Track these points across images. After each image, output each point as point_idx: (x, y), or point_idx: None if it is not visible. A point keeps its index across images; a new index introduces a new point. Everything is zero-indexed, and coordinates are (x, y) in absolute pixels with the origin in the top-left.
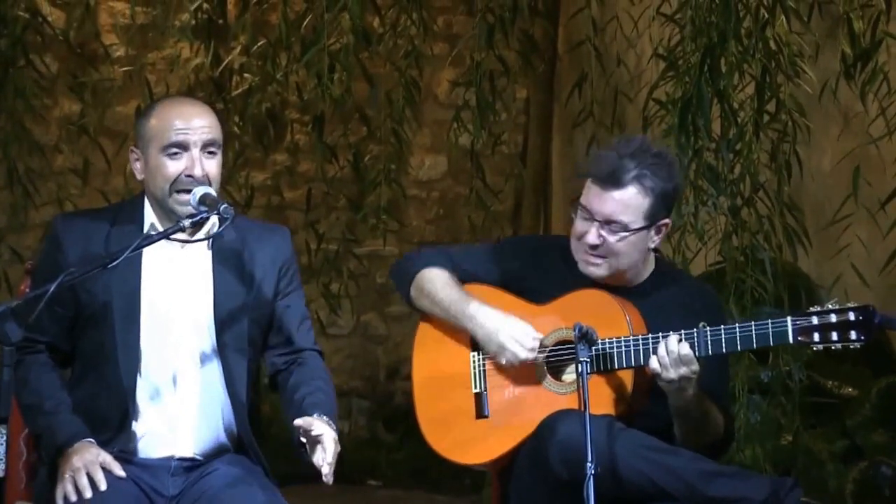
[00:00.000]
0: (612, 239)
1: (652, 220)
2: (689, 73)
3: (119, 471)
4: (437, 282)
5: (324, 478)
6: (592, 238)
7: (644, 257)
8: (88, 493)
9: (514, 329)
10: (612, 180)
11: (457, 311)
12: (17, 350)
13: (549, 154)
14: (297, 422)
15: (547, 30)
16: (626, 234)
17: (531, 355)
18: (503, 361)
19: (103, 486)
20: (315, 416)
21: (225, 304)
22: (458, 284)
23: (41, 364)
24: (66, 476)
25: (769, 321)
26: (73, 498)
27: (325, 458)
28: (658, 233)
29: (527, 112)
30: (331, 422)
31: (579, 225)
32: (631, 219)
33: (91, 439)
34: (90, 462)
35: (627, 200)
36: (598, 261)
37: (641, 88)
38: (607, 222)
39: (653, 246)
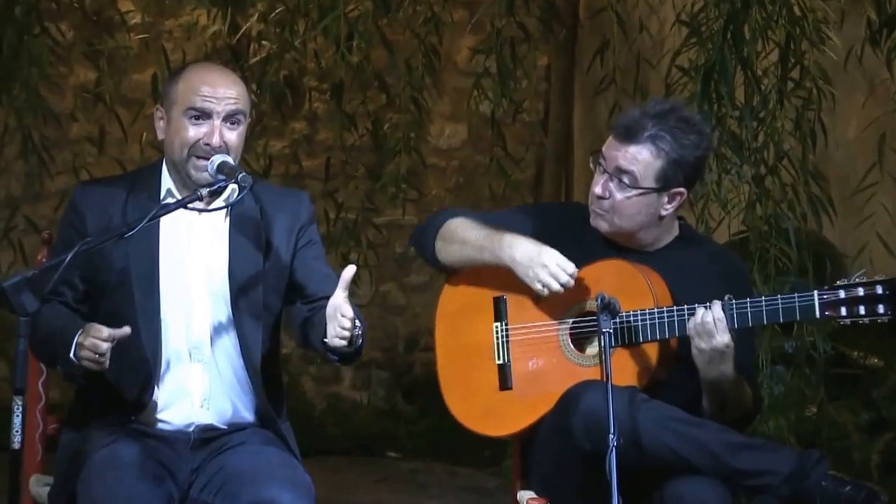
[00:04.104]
0: (619, 195)
1: (664, 183)
2: (712, 39)
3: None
4: (466, 225)
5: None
6: (598, 189)
7: (654, 222)
8: (104, 347)
9: (551, 258)
10: (628, 134)
11: (492, 244)
12: None
13: (570, 122)
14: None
15: None
16: (634, 191)
17: (567, 282)
18: (538, 287)
19: (104, 347)
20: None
21: (240, 272)
22: (487, 226)
23: (55, 305)
24: (87, 360)
25: (795, 295)
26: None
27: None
28: (671, 201)
29: (548, 79)
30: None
31: (595, 176)
32: (641, 174)
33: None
34: (92, 342)
35: (639, 157)
36: (602, 213)
37: (664, 55)
38: (618, 175)
39: (664, 214)
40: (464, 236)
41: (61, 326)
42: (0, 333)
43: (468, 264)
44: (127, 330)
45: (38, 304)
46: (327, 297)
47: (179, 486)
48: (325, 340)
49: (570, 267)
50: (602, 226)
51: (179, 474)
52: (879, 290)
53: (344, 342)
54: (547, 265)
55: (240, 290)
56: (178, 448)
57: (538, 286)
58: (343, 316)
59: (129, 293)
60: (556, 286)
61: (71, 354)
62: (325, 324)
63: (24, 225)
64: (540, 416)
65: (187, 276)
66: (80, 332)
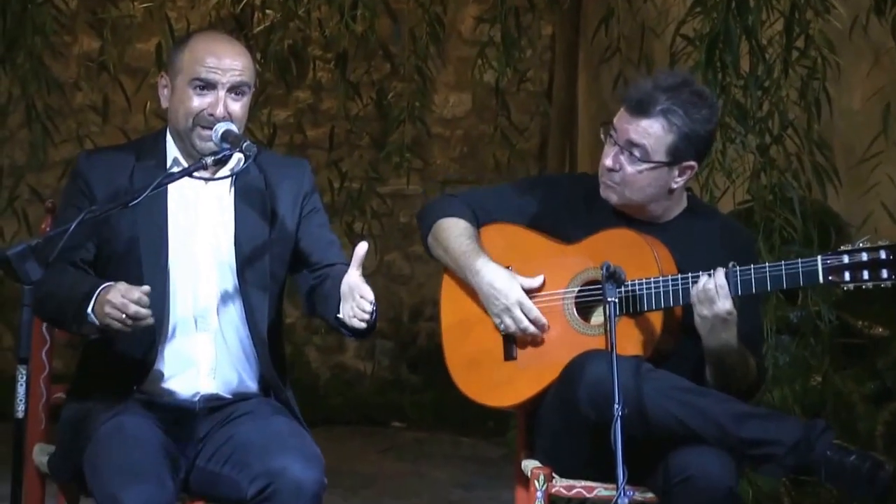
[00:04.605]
0: (629, 168)
1: (675, 157)
2: (717, 8)
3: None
4: (451, 231)
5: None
6: (609, 161)
7: (664, 195)
8: (132, 310)
9: (515, 301)
10: (640, 108)
11: (464, 264)
12: None
13: (575, 91)
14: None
15: None
16: (645, 164)
17: (526, 328)
18: (496, 322)
19: (132, 309)
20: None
21: (246, 243)
22: (472, 236)
23: (62, 265)
24: (111, 318)
25: (799, 260)
26: (143, 320)
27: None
28: (681, 174)
29: (552, 49)
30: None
31: (606, 147)
32: (653, 148)
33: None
34: (122, 302)
35: (651, 131)
36: (613, 185)
37: (669, 24)
38: (629, 148)
39: (675, 187)
40: (447, 244)
41: (70, 283)
42: (4, 303)
43: (451, 269)
44: (146, 289)
45: (43, 273)
46: (333, 265)
47: (186, 455)
48: (340, 317)
49: (534, 312)
50: (612, 198)
51: (186, 444)
52: (883, 255)
53: (363, 324)
54: (510, 309)
55: (246, 260)
56: (184, 418)
57: (496, 321)
58: (363, 297)
59: (137, 261)
60: (512, 329)
61: (89, 310)
62: (338, 298)
63: (28, 194)
64: (544, 387)
65: (194, 246)
66: (102, 287)
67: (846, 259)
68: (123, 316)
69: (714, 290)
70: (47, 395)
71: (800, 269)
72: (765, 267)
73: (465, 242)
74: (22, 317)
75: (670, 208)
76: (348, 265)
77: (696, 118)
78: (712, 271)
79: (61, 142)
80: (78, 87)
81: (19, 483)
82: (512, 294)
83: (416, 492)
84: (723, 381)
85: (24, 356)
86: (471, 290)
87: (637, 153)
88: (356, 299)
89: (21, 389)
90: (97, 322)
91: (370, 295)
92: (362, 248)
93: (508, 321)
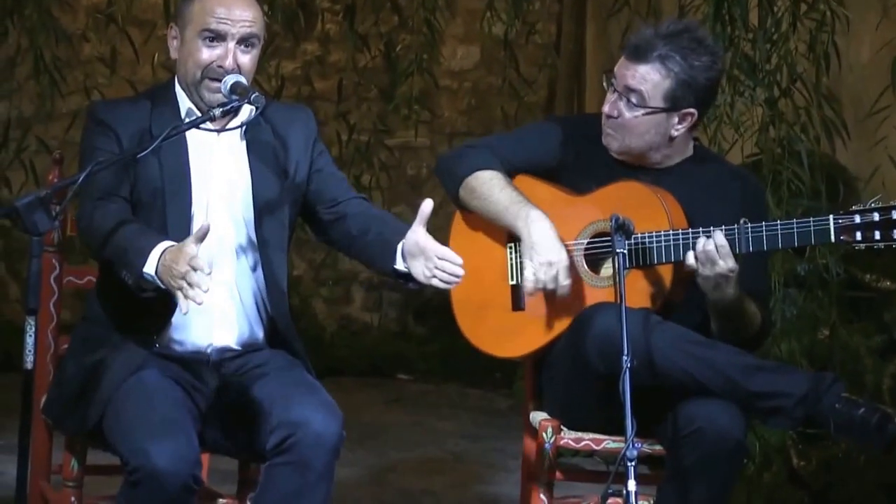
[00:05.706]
0: (627, 114)
1: (673, 104)
2: None
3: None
4: (494, 182)
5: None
6: (607, 107)
7: (664, 142)
8: (205, 286)
9: (558, 261)
10: (638, 54)
11: (516, 212)
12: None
13: (583, 44)
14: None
15: None
16: (642, 110)
17: (558, 289)
18: (528, 274)
19: (205, 287)
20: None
21: (263, 196)
22: (514, 187)
23: (120, 203)
24: (178, 289)
25: (811, 219)
26: (200, 300)
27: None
28: (681, 122)
29: (560, 1)
30: None
31: (607, 95)
32: (650, 94)
33: (171, 243)
34: (185, 270)
35: (648, 77)
36: (612, 132)
37: None
38: (627, 94)
39: (675, 134)
40: (489, 195)
41: (135, 234)
42: (12, 254)
43: (487, 217)
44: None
45: (51, 224)
46: (348, 200)
47: (201, 408)
48: (398, 269)
49: (565, 283)
50: (612, 144)
51: (200, 397)
52: (895, 215)
53: (448, 285)
54: (552, 264)
55: (264, 214)
56: (197, 370)
57: (529, 274)
58: (443, 258)
59: (162, 210)
60: (541, 284)
61: (154, 271)
62: (388, 247)
63: (36, 145)
64: (552, 337)
65: (211, 197)
66: (166, 246)
67: (858, 219)
68: (185, 284)
69: (714, 251)
70: (55, 347)
71: (811, 229)
72: (776, 224)
73: (513, 193)
74: (30, 268)
75: (671, 156)
76: (360, 198)
77: (695, 65)
78: (710, 232)
79: (69, 93)
80: (86, 38)
81: (27, 433)
82: (556, 253)
83: (422, 443)
84: (727, 333)
85: (32, 307)
86: (482, 239)
87: (634, 99)
88: (432, 259)
89: (30, 340)
90: (161, 284)
91: (456, 257)
92: (428, 205)
93: (541, 274)
